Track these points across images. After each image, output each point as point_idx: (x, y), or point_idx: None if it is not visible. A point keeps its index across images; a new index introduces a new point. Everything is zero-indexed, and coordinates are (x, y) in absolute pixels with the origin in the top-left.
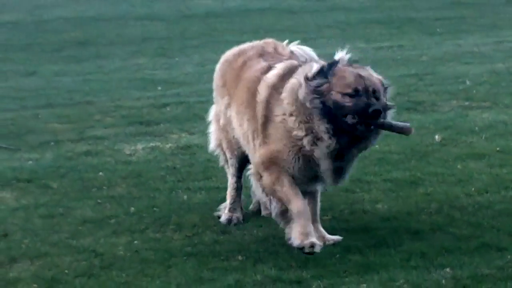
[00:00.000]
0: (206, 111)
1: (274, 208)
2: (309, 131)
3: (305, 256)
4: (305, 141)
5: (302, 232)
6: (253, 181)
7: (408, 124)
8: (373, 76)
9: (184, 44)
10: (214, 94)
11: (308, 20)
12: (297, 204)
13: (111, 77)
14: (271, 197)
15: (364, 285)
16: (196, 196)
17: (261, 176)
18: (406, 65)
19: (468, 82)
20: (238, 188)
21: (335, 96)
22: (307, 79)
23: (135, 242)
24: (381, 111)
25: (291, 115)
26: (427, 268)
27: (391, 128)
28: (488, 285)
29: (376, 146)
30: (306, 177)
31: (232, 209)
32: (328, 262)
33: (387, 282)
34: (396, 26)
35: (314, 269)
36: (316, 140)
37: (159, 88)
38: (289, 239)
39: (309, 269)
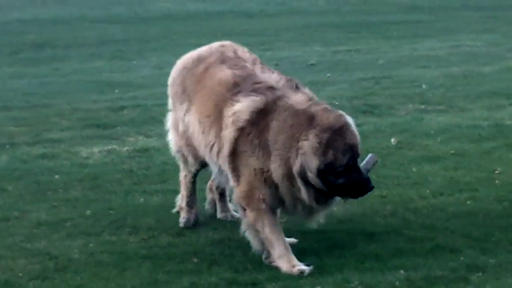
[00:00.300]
0: (164, 114)
1: (260, 251)
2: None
3: (260, 258)
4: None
5: (288, 266)
6: (240, 214)
7: (373, 156)
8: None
9: (142, 47)
10: (171, 101)
11: (267, 24)
12: (279, 249)
13: (68, 79)
14: (252, 237)
15: (319, 287)
16: (153, 199)
17: (244, 210)
18: (363, 69)
19: (424, 86)
20: (194, 182)
21: (333, 157)
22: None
23: (90, 245)
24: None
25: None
26: (381, 269)
27: (367, 171)
28: (441, 287)
29: None
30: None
31: (190, 202)
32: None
33: (341, 284)
34: (354, 30)
35: (269, 271)
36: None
37: (116, 91)
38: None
39: (264, 271)
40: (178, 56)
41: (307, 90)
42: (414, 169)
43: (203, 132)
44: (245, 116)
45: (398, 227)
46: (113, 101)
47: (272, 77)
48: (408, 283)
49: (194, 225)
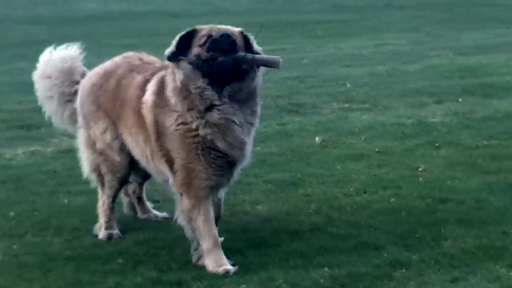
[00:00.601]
0: None
1: (189, 239)
2: (194, 105)
3: (185, 258)
4: (197, 123)
5: (214, 265)
6: (176, 200)
7: (277, 57)
8: (230, 27)
9: None
10: (83, 120)
11: (191, 24)
12: (209, 242)
13: None
14: (185, 223)
15: (244, 285)
16: (77, 199)
17: (181, 195)
18: (288, 68)
19: (348, 85)
20: (113, 208)
21: (195, 50)
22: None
23: (14, 246)
24: (230, 36)
25: (175, 110)
26: (306, 267)
27: (256, 61)
28: (365, 283)
29: (258, 148)
30: (222, 172)
31: (109, 227)
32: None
33: (266, 282)
34: (279, 30)
35: (194, 270)
36: (205, 111)
37: None
38: (202, 265)
39: (189, 270)
40: (102, 56)
41: None
42: (338, 167)
43: (136, 144)
44: (150, 96)
45: (323, 225)
46: (37, 102)
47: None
48: (332, 280)
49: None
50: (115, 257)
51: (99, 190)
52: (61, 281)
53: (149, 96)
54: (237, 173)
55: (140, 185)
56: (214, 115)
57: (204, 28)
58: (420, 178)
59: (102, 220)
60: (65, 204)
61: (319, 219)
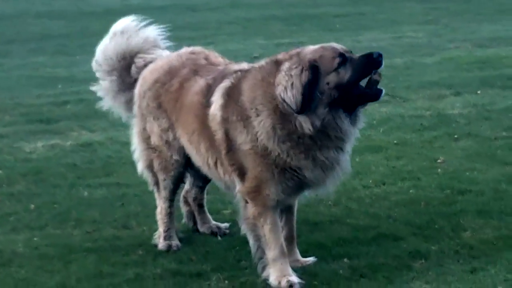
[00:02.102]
0: (107, 108)
1: (252, 247)
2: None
3: (205, 249)
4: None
5: (279, 275)
6: (240, 207)
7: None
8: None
9: (84, 42)
10: (140, 112)
11: (209, 17)
12: (275, 251)
13: (10, 75)
14: (249, 231)
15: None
16: (97, 192)
17: (246, 203)
18: None
19: None
20: (172, 213)
21: (332, 78)
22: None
23: (35, 238)
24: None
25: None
26: (325, 258)
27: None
28: (384, 274)
29: None
30: (294, 189)
31: (168, 237)
32: (228, 254)
33: None
34: (296, 23)
35: (214, 261)
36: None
37: (60, 86)
38: (267, 279)
39: (209, 262)
40: None
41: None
42: (357, 159)
43: (196, 151)
44: (218, 111)
45: (342, 216)
46: (56, 96)
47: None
48: (351, 271)
49: (175, 251)
50: (135, 248)
51: (156, 194)
52: (81, 272)
53: (217, 111)
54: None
55: (201, 190)
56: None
57: (314, 51)
58: (439, 170)
59: (161, 229)
60: (85, 196)
61: (338, 210)
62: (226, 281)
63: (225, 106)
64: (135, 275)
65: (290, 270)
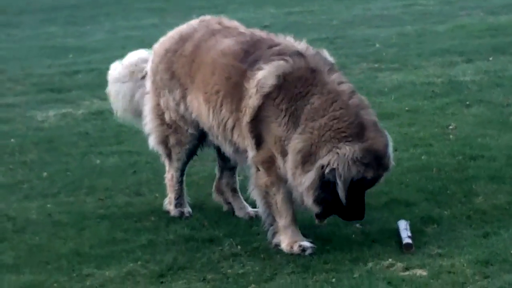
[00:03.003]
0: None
1: (262, 213)
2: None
3: (217, 215)
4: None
5: (290, 242)
6: (251, 172)
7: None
8: None
9: (95, 12)
10: (153, 87)
11: None
12: (287, 219)
13: (22, 45)
14: (260, 198)
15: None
16: (109, 160)
17: (258, 170)
18: (316, 30)
19: (377, 45)
20: (182, 182)
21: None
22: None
23: (48, 205)
24: None
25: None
26: (338, 224)
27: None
28: (397, 239)
29: None
30: None
31: (179, 204)
32: (240, 220)
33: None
34: None
35: (226, 227)
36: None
37: (70, 55)
38: (278, 245)
39: (221, 227)
40: (130, 20)
41: (339, 71)
42: None
43: (213, 112)
44: (270, 81)
45: None
46: (67, 66)
47: (292, 42)
48: (364, 236)
49: (187, 218)
50: (147, 215)
51: (166, 163)
52: (94, 239)
53: (270, 77)
54: None
55: (233, 173)
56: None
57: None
58: (451, 136)
59: (172, 195)
60: (97, 164)
61: None
62: (239, 247)
63: (277, 88)
64: (148, 241)
65: (301, 236)
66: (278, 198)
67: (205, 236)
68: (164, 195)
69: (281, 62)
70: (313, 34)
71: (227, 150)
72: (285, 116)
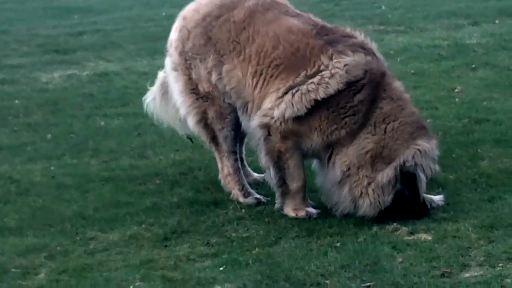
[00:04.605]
0: (123, 38)
1: (272, 176)
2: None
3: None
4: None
5: (295, 207)
6: (257, 135)
7: None
8: None
9: None
10: (181, 59)
11: None
12: (298, 183)
13: (26, 6)
14: (272, 162)
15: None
16: (113, 122)
17: (269, 134)
18: None
19: (383, 7)
20: (239, 168)
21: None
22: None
23: (52, 168)
24: None
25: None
26: None
27: None
28: None
29: None
30: None
31: (247, 194)
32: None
33: None
34: None
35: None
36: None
37: (76, 16)
38: (282, 209)
39: (226, 191)
40: None
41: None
42: None
43: (262, 84)
44: (359, 72)
45: None
46: (72, 27)
47: (364, 38)
48: None
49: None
50: (152, 178)
51: (216, 153)
52: (98, 201)
53: (359, 68)
54: None
55: (240, 143)
56: None
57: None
58: (457, 99)
59: (236, 189)
60: (102, 126)
61: None
62: (243, 210)
63: (362, 81)
64: (152, 204)
65: (307, 202)
66: (292, 163)
67: (209, 199)
68: (168, 158)
69: (369, 58)
70: None
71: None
72: (359, 112)
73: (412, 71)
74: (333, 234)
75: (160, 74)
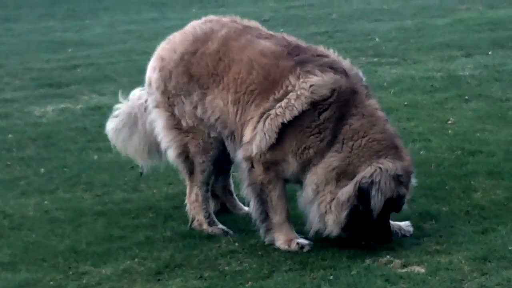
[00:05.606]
0: (116, 72)
1: (254, 210)
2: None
3: (214, 212)
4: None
5: (286, 239)
6: (243, 168)
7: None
8: None
9: (94, 6)
10: (163, 97)
11: None
12: (281, 216)
13: (21, 40)
14: (254, 195)
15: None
16: (107, 155)
17: (252, 167)
18: (316, 23)
19: (377, 39)
20: (209, 198)
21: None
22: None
23: (45, 202)
24: None
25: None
26: None
27: None
28: (394, 235)
29: None
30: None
31: (212, 223)
32: (238, 217)
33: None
34: None
35: (224, 224)
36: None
37: (70, 50)
38: (273, 243)
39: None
40: (130, 14)
41: (374, 96)
42: None
43: (241, 112)
44: (324, 91)
45: None
46: (66, 60)
47: (336, 57)
48: None
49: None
50: (145, 211)
51: (187, 182)
52: (91, 236)
53: (325, 87)
54: None
55: (227, 174)
56: None
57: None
58: (450, 131)
59: (200, 216)
60: (95, 160)
61: None
62: (236, 244)
63: (328, 101)
64: (145, 238)
65: (295, 234)
66: (274, 195)
67: (203, 233)
68: (162, 191)
69: (337, 77)
70: (312, 28)
71: (229, 147)
72: (325, 130)
73: (406, 103)
74: (326, 267)
75: (123, 104)
